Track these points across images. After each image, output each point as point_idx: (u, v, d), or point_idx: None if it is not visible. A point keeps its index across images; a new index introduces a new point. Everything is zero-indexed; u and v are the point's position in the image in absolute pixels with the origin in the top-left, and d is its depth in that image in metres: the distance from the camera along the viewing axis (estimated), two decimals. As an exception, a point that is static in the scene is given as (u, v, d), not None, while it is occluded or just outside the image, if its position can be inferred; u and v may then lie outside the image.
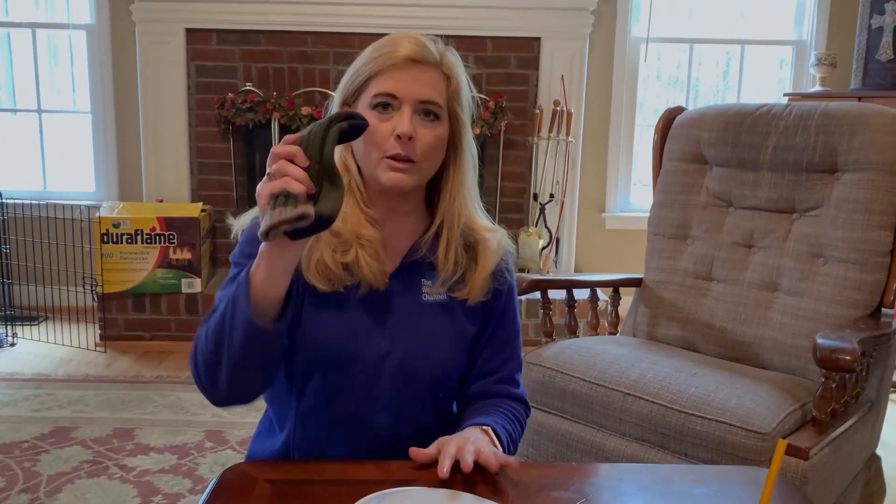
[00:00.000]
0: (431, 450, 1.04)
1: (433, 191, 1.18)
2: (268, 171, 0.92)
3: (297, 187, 0.88)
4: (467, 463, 0.98)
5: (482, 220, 1.20)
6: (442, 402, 1.22)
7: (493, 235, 1.20)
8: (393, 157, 1.08)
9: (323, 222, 0.91)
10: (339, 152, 1.12)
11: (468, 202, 1.17)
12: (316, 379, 1.14)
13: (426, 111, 1.09)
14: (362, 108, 1.10)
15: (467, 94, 1.15)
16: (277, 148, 0.92)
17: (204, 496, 0.96)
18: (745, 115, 2.19)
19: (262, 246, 0.96)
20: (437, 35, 1.15)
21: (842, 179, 2.03)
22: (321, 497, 0.96)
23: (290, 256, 0.96)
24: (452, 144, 1.15)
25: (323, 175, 0.92)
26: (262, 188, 0.91)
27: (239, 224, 1.17)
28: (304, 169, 0.90)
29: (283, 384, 1.16)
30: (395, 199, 1.14)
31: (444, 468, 0.99)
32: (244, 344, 0.98)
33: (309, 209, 0.89)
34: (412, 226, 1.18)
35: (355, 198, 1.13)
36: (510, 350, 1.25)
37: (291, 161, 0.90)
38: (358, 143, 1.10)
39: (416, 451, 1.04)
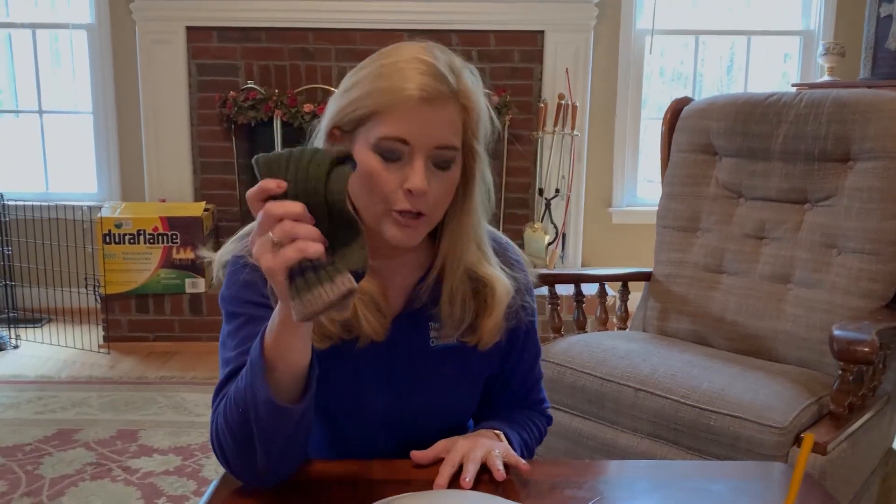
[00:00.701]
0: (431, 451, 0.99)
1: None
2: (257, 224, 0.78)
3: (317, 250, 0.76)
4: (466, 473, 0.93)
5: (488, 265, 1.05)
6: (456, 430, 1.15)
7: (500, 283, 1.04)
8: (400, 212, 0.93)
9: (355, 279, 0.79)
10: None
11: (473, 247, 1.03)
12: (316, 430, 1.07)
13: (439, 159, 0.93)
14: (361, 145, 0.93)
15: (486, 121, 0.99)
16: (273, 208, 0.77)
17: (205, 498, 0.92)
18: (755, 104, 2.14)
19: (277, 314, 0.83)
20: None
21: (855, 168, 1.98)
22: (325, 498, 0.93)
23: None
24: (463, 179, 0.99)
25: (337, 223, 0.79)
26: (272, 262, 0.76)
27: (219, 261, 1.02)
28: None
29: None
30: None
31: (443, 477, 0.94)
32: (274, 427, 0.87)
33: (350, 282, 0.76)
34: (413, 265, 1.06)
35: None
36: (533, 378, 1.18)
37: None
38: (355, 188, 0.95)
39: (416, 454, 0.99)
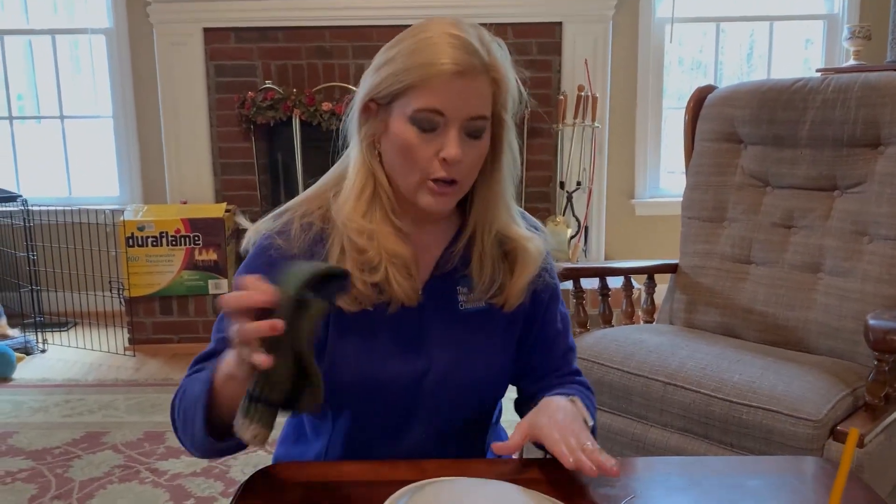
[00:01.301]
0: (515, 438, 0.98)
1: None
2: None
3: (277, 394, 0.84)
4: (596, 463, 0.90)
5: (518, 227, 1.09)
6: (485, 405, 1.15)
7: (531, 243, 1.09)
8: (436, 181, 0.98)
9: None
10: (364, 157, 1.03)
11: (503, 210, 1.07)
12: (350, 402, 1.07)
13: (472, 129, 0.98)
14: (397, 117, 0.98)
15: (514, 92, 1.03)
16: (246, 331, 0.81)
17: (233, 499, 0.91)
18: (781, 91, 2.10)
19: (226, 367, 0.89)
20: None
21: (885, 153, 1.93)
22: (354, 498, 0.91)
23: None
24: (491, 148, 1.03)
25: (297, 370, 0.83)
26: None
27: (251, 235, 1.07)
28: (276, 364, 0.80)
29: None
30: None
31: (576, 460, 0.90)
32: (207, 447, 0.95)
33: (254, 439, 0.84)
34: (443, 232, 1.09)
35: (384, 209, 1.03)
36: (562, 345, 1.18)
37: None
38: (392, 155, 1.00)
39: (498, 446, 0.98)
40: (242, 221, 1.10)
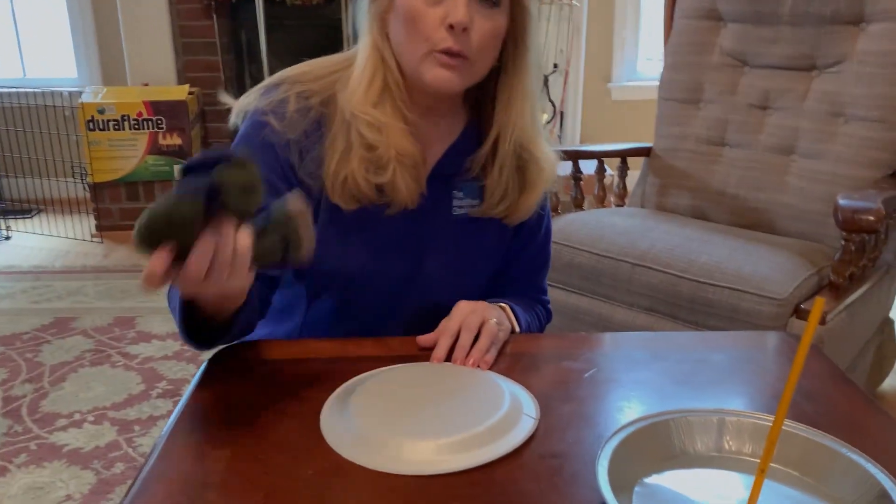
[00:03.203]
0: (435, 332, 0.95)
1: (475, 90, 0.99)
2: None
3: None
4: (459, 345, 0.90)
5: (542, 142, 1.00)
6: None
7: (549, 163, 1.01)
8: (443, 52, 0.89)
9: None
10: (373, 41, 0.94)
11: (528, 115, 0.98)
12: (330, 295, 1.03)
13: None
14: None
15: None
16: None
17: (194, 380, 0.90)
18: (765, -36, 2.01)
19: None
20: None
21: (867, 31, 1.88)
22: (320, 373, 0.90)
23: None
24: (512, 38, 0.94)
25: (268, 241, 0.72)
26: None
27: (238, 110, 0.98)
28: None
29: (291, 281, 1.05)
30: (437, 98, 0.97)
31: (441, 349, 0.90)
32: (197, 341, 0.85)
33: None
34: (446, 128, 1.01)
35: (394, 101, 0.94)
36: (541, 260, 1.15)
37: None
38: (398, 31, 0.91)
39: (421, 338, 0.95)
40: (227, 99, 1.01)
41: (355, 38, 1.00)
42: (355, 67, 0.97)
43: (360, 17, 0.97)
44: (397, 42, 0.93)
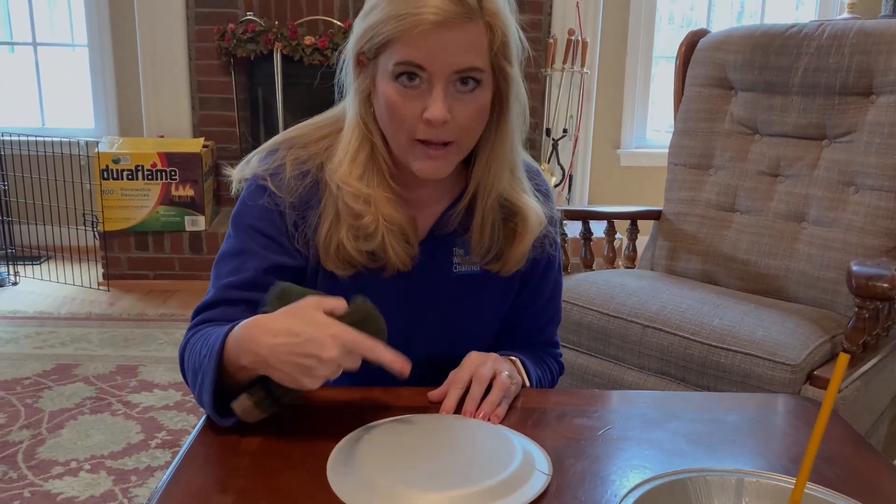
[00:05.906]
0: (445, 385, 0.94)
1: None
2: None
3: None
4: (471, 396, 0.89)
5: (523, 192, 1.01)
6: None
7: (533, 211, 1.01)
8: (426, 143, 0.89)
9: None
10: (359, 114, 0.94)
11: (506, 172, 0.98)
12: None
13: (464, 83, 0.88)
14: (382, 71, 0.89)
15: (516, 40, 0.92)
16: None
17: (198, 426, 0.88)
18: (774, 36, 2.05)
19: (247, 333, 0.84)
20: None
21: (877, 102, 1.90)
22: (325, 422, 0.89)
23: None
24: (497, 103, 0.93)
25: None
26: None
27: (239, 175, 0.99)
28: None
29: None
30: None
31: (451, 400, 0.90)
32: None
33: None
34: (446, 191, 1.01)
35: (381, 172, 0.94)
36: (550, 313, 1.14)
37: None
38: (381, 114, 0.91)
39: (432, 394, 0.94)
40: (229, 171, 1.02)
41: (341, 95, 1.00)
42: (343, 136, 0.97)
43: (347, 80, 0.97)
44: (382, 124, 0.93)
